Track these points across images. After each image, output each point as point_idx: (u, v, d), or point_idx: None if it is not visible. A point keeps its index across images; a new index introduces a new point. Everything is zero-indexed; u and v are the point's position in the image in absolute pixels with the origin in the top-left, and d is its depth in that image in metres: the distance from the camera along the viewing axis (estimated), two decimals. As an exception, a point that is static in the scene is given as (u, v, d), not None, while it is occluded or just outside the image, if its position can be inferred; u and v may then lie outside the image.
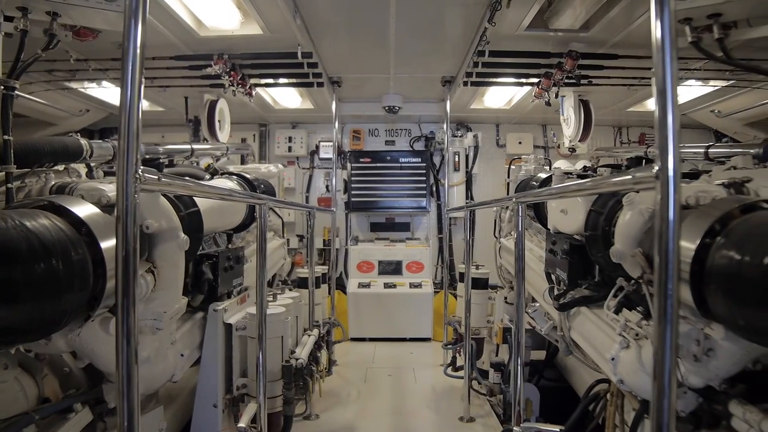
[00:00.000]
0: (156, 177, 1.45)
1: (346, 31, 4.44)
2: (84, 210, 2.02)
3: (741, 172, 2.50)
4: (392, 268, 6.80)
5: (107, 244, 1.95)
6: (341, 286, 6.97)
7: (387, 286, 6.63)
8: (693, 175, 3.01)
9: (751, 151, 3.68)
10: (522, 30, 3.96)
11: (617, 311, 2.59)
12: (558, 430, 2.27)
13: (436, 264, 7.40)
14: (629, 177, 1.40)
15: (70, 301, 1.79)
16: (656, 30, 1.27)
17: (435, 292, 6.71)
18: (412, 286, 6.64)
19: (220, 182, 3.52)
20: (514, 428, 2.34)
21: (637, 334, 2.40)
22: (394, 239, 7.36)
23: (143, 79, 1.39)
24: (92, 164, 3.27)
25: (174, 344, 2.65)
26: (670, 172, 1.25)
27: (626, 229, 2.35)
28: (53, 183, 2.45)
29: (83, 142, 2.83)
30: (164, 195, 2.45)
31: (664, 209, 1.26)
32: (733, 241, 1.72)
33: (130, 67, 1.36)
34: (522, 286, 2.57)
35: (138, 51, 1.36)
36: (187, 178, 2.05)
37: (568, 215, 3.11)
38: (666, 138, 1.26)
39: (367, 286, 6.66)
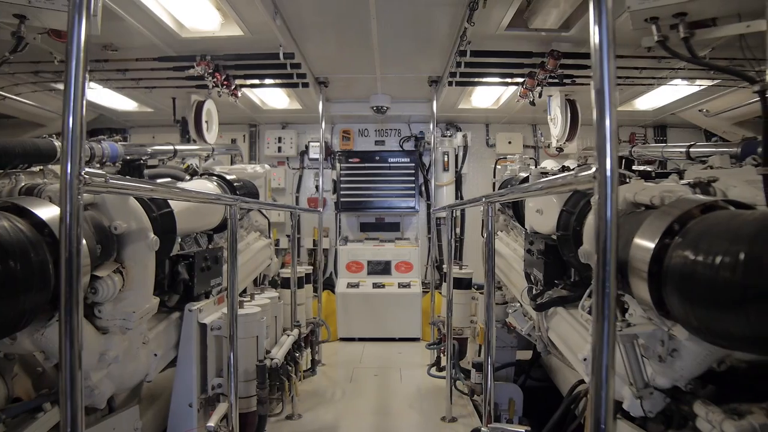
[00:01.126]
0: (102, 179, 1.45)
1: (329, 31, 4.45)
2: (47, 212, 2.03)
3: (707, 172, 2.50)
4: (381, 268, 6.80)
5: (70, 244, 1.96)
6: (331, 286, 6.98)
7: (376, 286, 6.64)
8: (668, 175, 3.01)
9: (730, 150, 3.70)
10: (502, 30, 3.96)
11: (591, 311, 2.59)
12: (524, 430, 2.27)
13: (426, 264, 7.41)
14: (572, 177, 1.40)
15: (29, 302, 1.80)
16: (594, 34, 1.28)
17: (424, 292, 6.71)
18: (401, 286, 6.64)
19: (196, 183, 3.53)
20: (482, 429, 2.35)
21: (608, 335, 2.40)
22: (383, 239, 7.36)
23: (87, 75, 1.38)
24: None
25: (147, 344, 2.66)
26: (608, 173, 1.26)
27: (593, 229, 2.35)
28: (23, 184, 2.46)
29: (57, 143, 2.84)
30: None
31: (602, 208, 1.27)
32: (688, 241, 1.72)
33: (73, 66, 1.35)
34: (492, 286, 2.57)
35: (81, 49, 1.35)
36: (131, 178, 2.06)
37: (544, 215, 3.11)
38: (604, 138, 1.26)
39: (356, 286, 6.67)
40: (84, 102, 1.37)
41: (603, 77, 1.26)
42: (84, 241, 2.11)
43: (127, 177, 2.47)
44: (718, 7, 2.44)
